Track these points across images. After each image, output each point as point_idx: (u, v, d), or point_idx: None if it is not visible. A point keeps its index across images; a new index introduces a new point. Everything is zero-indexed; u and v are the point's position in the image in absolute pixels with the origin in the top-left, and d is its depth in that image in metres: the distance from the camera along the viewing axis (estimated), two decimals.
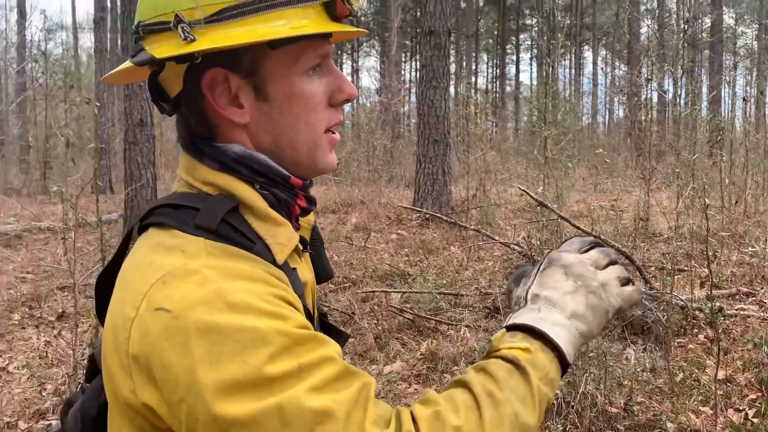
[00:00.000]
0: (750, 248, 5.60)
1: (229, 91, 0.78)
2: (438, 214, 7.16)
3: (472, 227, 6.79)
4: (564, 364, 0.79)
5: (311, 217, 0.95)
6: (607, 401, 3.19)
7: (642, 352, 3.96)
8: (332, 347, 0.69)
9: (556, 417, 3.09)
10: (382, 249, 7.17)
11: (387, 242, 7.53)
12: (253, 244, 0.75)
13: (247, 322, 0.64)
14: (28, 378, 3.94)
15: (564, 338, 0.79)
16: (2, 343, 4.56)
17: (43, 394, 3.71)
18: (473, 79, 39.41)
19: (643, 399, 3.36)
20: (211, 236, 0.73)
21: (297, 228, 0.87)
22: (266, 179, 0.80)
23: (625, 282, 0.87)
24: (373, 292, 5.33)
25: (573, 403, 3.14)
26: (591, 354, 3.45)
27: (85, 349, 4.03)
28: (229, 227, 0.75)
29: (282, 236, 0.79)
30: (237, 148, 0.79)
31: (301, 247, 0.87)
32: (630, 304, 0.87)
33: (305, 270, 0.90)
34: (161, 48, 0.75)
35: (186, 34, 0.73)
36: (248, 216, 0.77)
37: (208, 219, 0.74)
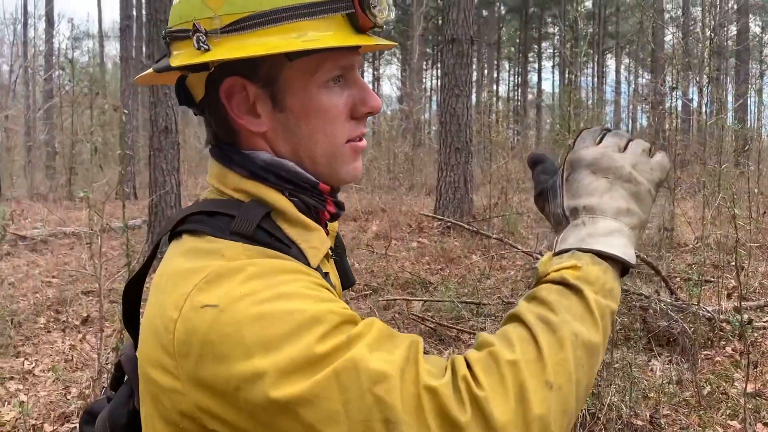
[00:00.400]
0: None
1: (246, 100, 0.78)
2: (459, 223, 7.14)
3: (494, 236, 6.76)
4: (625, 267, 0.75)
5: (335, 224, 0.95)
6: (632, 413, 3.14)
7: (668, 364, 3.90)
8: (376, 320, 0.70)
9: (581, 429, 3.05)
10: (403, 257, 7.16)
11: (408, 250, 7.52)
12: (289, 248, 0.76)
13: (295, 306, 0.65)
14: (54, 381, 3.99)
15: (618, 244, 0.73)
16: (29, 346, 4.62)
17: (68, 397, 3.75)
18: (495, 86, 39.35)
19: (669, 412, 3.31)
20: (248, 241, 0.73)
21: (326, 233, 0.87)
22: (294, 186, 0.80)
23: (649, 152, 0.80)
24: (395, 300, 5.32)
25: (599, 415, 3.10)
26: (616, 365, 3.40)
27: (109, 353, 4.08)
28: (264, 233, 0.75)
29: (315, 240, 0.80)
30: (264, 155, 0.79)
31: (330, 253, 0.87)
32: (665, 172, 0.80)
33: (334, 275, 0.91)
34: (179, 56, 0.77)
35: (200, 44, 0.74)
36: (281, 222, 0.78)
37: (244, 225, 0.74)
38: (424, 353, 0.68)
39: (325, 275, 0.81)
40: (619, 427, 3.03)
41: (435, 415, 0.62)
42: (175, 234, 0.80)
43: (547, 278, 0.73)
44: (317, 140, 0.80)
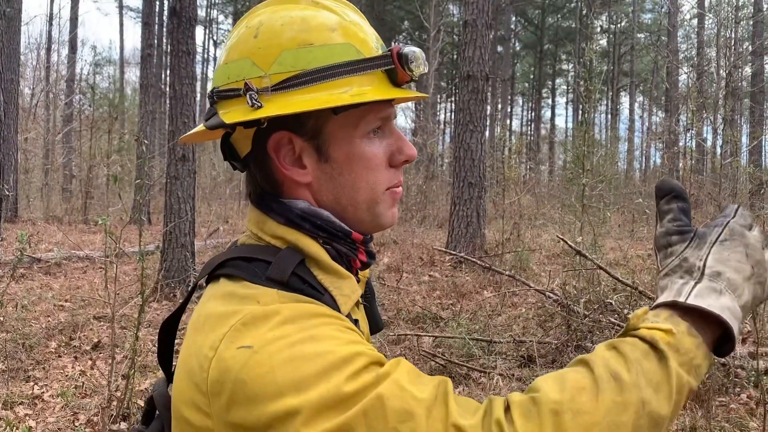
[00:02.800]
0: None
1: (293, 152, 0.82)
2: (471, 258, 7.12)
3: (507, 272, 6.73)
4: (720, 350, 0.72)
5: (366, 271, 0.98)
6: None
7: (682, 411, 3.83)
8: (403, 359, 0.71)
9: None
10: (415, 291, 7.14)
11: (419, 284, 7.50)
12: (321, 295, 0.79)
13: (325, 347, 0.67)
14: (62, 407, 3.98)
15: (736, 331, 0.71)
16: (39, 371, 4.63)
17: (76, 424, 3.74)
18: (509, 121, 39.56)
19: None
20: (283, 288, 0.76)
21: (358, 281, 0.90)
22: (328, 234, 0.83)
23: None
24: (406, 335, 5.29)
25: None
26: None
27: (119, 381, 4.07)
28: (298, 279, 0.78)
29: (346, 288, 0.82)
30: (302, 204, 0.83)
31: (360, 300, 0.89)
32: None
33: (363, 322, 0.93)
34: (231, 113, 0.80)
35: (254, 101, 0.78)
36: (314, 269, 0.81)
37: (280, 272, 0.77)
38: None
39: (355, 322, 0.83)
40: None
41: None
42: (213, 277, 0.83)
43: (636, 333, 0.71)
44: (360, 188, 0.83)
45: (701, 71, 18.44)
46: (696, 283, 0.73)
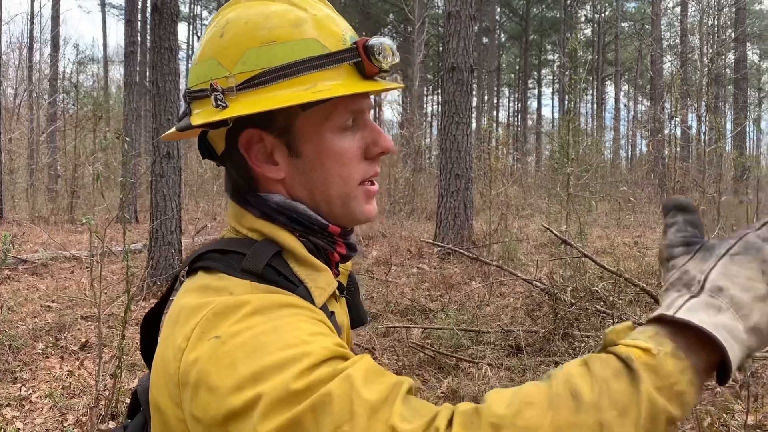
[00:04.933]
0: None
1: (264, 149, 0.83)
2: (459, 249, 7.14)
3: (494, 263, 6.76)
4: (721, 377, 0.64)
5: (348, 264, 0.99)
6: None
7: None
8: (366, 356, 0.70)
9: None
10: (403, 283, 7.16)
11: (408, 276, 7.52)
12: (296, 287, 0.79)
13: (289, 340, 0.67)
14: (50, 408, 3.96)
15: (737, 351, 0.62)
16: (26, 372, 4.60)
17: (65, 424, 3.72)
18: (495, 113, 39.64)
19: None
20: (257, 279, 0.77)
21: (337, 274, 0.91)
22: (304, 227, 0.84)
23: None
24: (394, 327, 5.30)
25: None
26: None
27: (107, 380, 4.06)
28: (273, 271, 0.79)
29: (322, 281, 0.83)
30: (277, 198, 0.84)
31: (338, 293, 0.90)
32: None
33: (342, 314, 0.93)
34: (199, 114, 0.82)
35: (218, 102, 0.78)
36: (290, 261, 0.82)
37: (254, 263, 0.78)
38: (420, 389, 0.66)
39: (331, 314, 0.83)
40: None
41: None
42: (191, 270, 0.83)
43: (613, 349, 0.64)
44: (332, 183, 0.84)
45: (685, 59, 18.54)
46: (691, 297, 0.65)
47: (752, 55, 29.48)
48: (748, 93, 19.12)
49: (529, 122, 37.99)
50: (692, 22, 22.56)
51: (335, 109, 0.81)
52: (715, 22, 21.68)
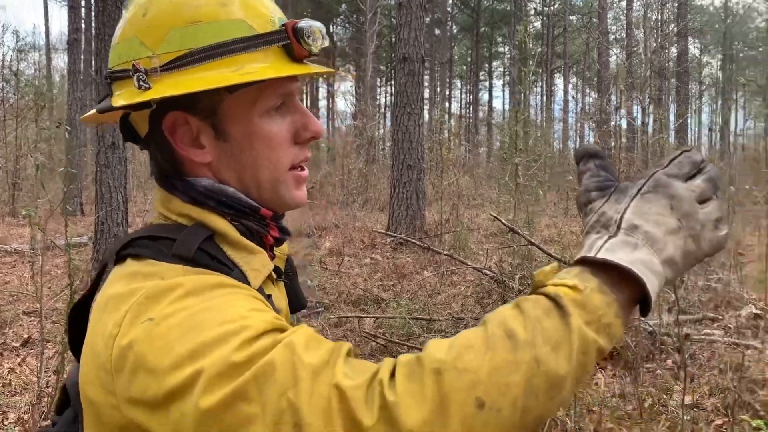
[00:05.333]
0: (715, 275, 5.72)
1: (190, 132, 0.81)
2: (411, 239, 7.20)
3: (445, 252, 6.83)
4: (643, 309, 0.68)
5: (285, 247, 0.98)
6: (577, 428, 3.21)
7: (612, 378, 4.01)
8: (304, 326, 0.70)
9: None
10: (356, 273, 7.17)
11: (361, 266, 7.53)
12: (231, 270, 0.78)
13: (226, 316, 0.66)
14: None
15: (655, 283, 0.66)
16: None
17: (6, 423, 3.61)
18: (447, 104, 39.94)
19: (612, 425, 3.39)
20: (190, 264, 0.75)
21: (272, 257, 0.90)
22: (235, 211, 0.82)
23: (719, 223, 0.72)
24: (347, 317, 5.32)
25: (543, 431, 3.16)
26: None
27: (50, 376, 3.95)
28: (205, 255, 0.77)
29: (257, 263, 0.82)
30: (205, 181, 0.82)
31: (275, 276, 0.89)
32: (717, 251, 0.72)
33: (280, 298, 0.92)
34: (121, 95, 0.79)
35: (140, 83, 0.76)
36: (223, 245, 0.80)
37: (185, 248, 0.76)
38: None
39: (268, 297, 0.82)
40: None
41: (340, 416, 0.60)
42: (119, 258, 0.80)
43: (541, 290, 0.67)
44: (261, 166, 0.82)
45: (630, 52, 19.04)
46: (610, 237, 0.68)
47: (693, 49, 30.51)
48: (690, 86, 19.77)
49: (481, 114, 38.44)
50: (637, 16, 23.18)
51: (264, 92, 0.80)
52: (659, 17, 22.33)
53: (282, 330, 0.68)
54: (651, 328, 4.44)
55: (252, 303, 0.71)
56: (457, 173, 10.39)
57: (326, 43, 0.82)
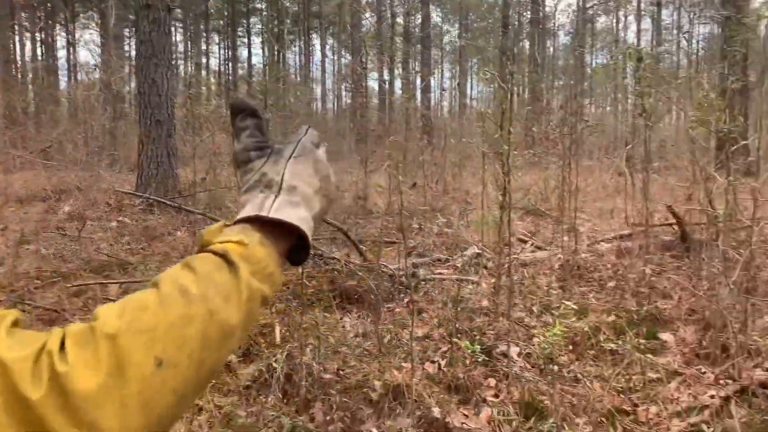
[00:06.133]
0: (443, 219, 6.38)
1: None
2: (161, 199, 6.85)
3: (200, 211, 6.63)
4: (299, 259, 0.78)
5: None
6: (322, 369, 3.39)
7: (357, 320, 4.29)
8: None
9: (275, 389, 3.20)
10: (100, 238, 6.64)
11: (106, 230, 6.99)
12: None
13: None
14: None
15: (310, 241, 0.77)
16: None
17: None
18: (205, 59, 38.27)
19: (355, 363, 3.64)
20: None
21: None
22: None
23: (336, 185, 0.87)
24: (86, 285, 4.92)
25: (293, 375, 3.28)
26: (304, 326, 3.63)
27: None
28: None
29: None
30: None
31: None
32: (331, 210, 0.87)
33: None
34: None
35: None
36: None
37: None
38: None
39: None
40: (309, 383, 3.24)
41: (2, 392, 0.56)
42: None
43: (210, 248, 0.71)
44: None
45: (380, 16, 19.97)
46: (276, 197, 0.76)
47: (435, 17, 33.01)
48: (432, 51, 21.44)
49: (240, 71, 37.53)
50: None
51: None
52: None
53: None
54: (391, 272, 4.83)
55: None
56: (212, 129, 10.07)
57: None
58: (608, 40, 35.40)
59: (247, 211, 0.75)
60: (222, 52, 42.28)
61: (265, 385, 3.26)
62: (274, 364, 3.32)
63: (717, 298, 3.74)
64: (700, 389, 3.32)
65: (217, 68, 39.74)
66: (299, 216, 0.75)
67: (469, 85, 32.07)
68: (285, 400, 3.15)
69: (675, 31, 31.87)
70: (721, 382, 3.34)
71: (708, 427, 2.87)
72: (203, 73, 28.65)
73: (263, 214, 0.74)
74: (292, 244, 0.76)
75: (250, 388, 3.31)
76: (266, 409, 3.03)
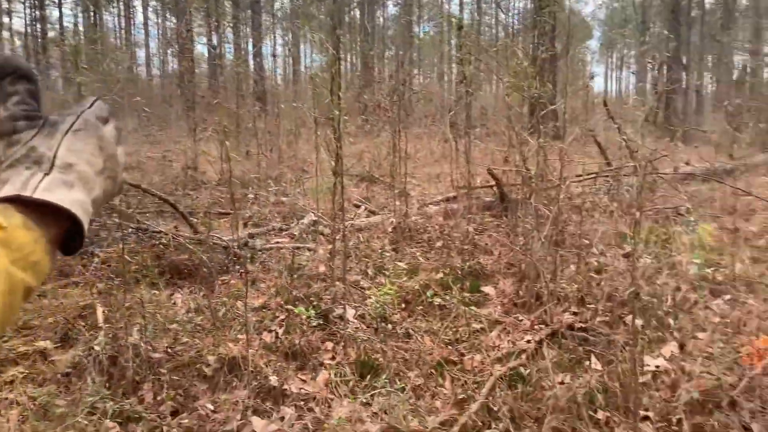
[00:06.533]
0: (278, 188, 6.32)
1: None
2: None
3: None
4: (73, 247, 0.67)
5: None
6: (150, 348, 3.22)
7: (189, 295, 4.12)
8: None
9: (98, 374, 2.99)
10: None
11: None
12: None
13: None
14: None
15: (86, 227, 0.67)
16: None
17: None
18: (8, 19, 34.19)
19: (188, 339, 3.50)
20: None
21: None
22: None
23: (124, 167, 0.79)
24: None
25: (118, 357, 3.09)
26: (127, 305, 3.43)
27: None
28: None
29: None
30: None
31: None
32: (121, 192, 0.77)
33: None
34: None
35: None
36: None
37: None
38: None
39: None
40: (137, 364, 3.08)
41: None
42: None
43: None
44: None
45: None
46: (45, 175, 0.66)
47: None
48: (263, 17, 20.93)
49: (52, 33, 33.99)
50: None
51: None
52: None
53: None
54: (225, 243, 4.69)
55: None
56: None
57: None
58: (434, 12, 36.85)
59: (7, 191, 0.64)
60: (29, 11, 37.99)
61: (87, 370, 3.04)
62: (96, 347, 3.11)
63: (531, 252, 4.08)
64: (518, 335, 3.62)
65: (23, 29, 35.65)
66: (73, 198, 0.65)
67: (303, 54, 31.75)
68: (109, 385, 2.96)
69: (494, 5, 33.91)
70: (536, 327, 3.67)
71: (525, 369, 3.14)
72: (6, 34, 25.52)
73: (26, 194, 0.63)
74: (65, 229, 0.66)
75: (69, 375, 3.07)
76: (88, 396, 2.83)
